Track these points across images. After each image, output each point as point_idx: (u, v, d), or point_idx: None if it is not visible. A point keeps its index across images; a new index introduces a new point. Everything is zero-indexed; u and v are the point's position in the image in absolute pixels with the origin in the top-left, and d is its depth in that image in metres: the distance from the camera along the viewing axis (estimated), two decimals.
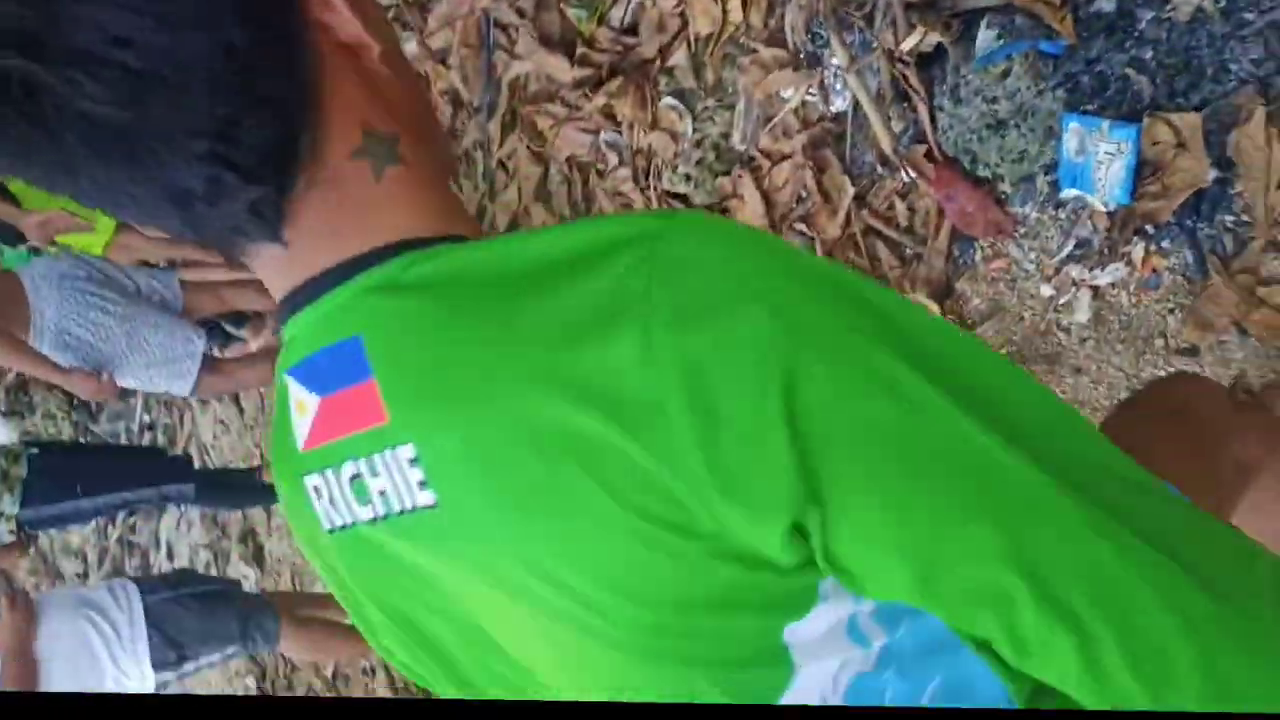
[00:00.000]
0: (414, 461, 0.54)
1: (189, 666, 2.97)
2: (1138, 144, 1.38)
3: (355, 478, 0.58)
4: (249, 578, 4.69)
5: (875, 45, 1.57)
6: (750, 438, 0.47)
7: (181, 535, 5.45)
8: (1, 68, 0.48)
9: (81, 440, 5.51)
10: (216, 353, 4.53)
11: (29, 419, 5.45)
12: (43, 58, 0.48)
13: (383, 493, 0.57)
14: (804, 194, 1.90)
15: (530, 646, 0.60)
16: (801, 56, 1.71)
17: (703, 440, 0.47)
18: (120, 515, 4.58)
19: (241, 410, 4.75)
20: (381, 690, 3.67)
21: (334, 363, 0.57)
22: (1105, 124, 1.40)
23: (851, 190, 1.79)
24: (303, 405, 0.60)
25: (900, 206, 1.75)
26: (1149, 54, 1.38)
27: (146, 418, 5.55)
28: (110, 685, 2.77)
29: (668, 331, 0.47)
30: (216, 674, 5.26)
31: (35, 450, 3.05)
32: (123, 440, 5.46)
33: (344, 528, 0.61)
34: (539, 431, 0.50)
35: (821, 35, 1.65)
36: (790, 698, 0.57)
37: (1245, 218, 1.32)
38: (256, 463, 4.18)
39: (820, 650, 0.56)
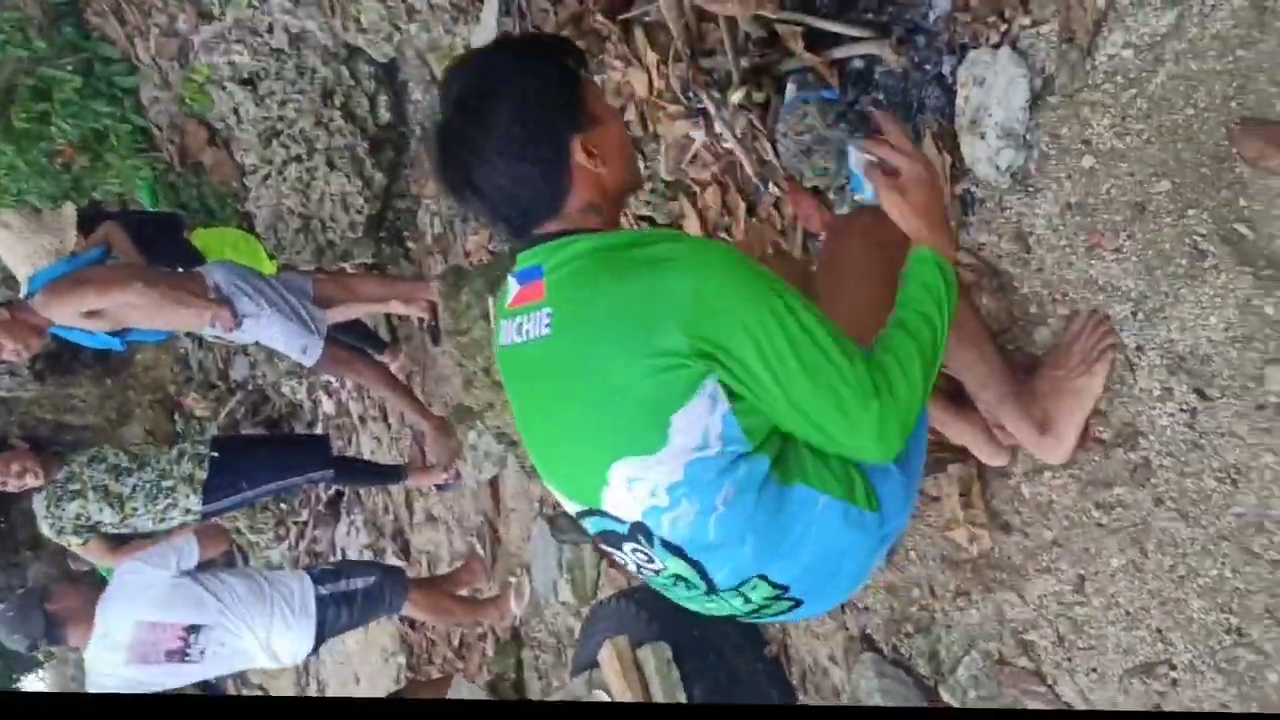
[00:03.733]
0: (549, 316, 1.31)
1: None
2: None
3: (520, 324, 1.37)
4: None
5: (730, 101, 2.22)
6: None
7: (351, 540, 6.48)
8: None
9: (249, 433, 6.64)
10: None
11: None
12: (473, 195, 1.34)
13: (528, 330, 1.34)
14: (723, 212, 2.54)
15: (534, 418, 1.42)
16: (692, 109, 2.38)
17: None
18: (282, 496, 5.55)
19: (389, 425, 5.72)
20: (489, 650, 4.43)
21: (529, 272, 1.36)
22: (862, 143, 1.99)
23: (743, 205, 2.43)
24: (512, 289, 1.40)
25: (775, 215, 2.37)
26: (881, 96, 1.97)
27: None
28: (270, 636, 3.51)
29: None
30: (376, 658, 6.21)
31: (217, 454, 3.97)
32: None
33: (506, 346, 1.40)
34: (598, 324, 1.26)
35: (698, 95, 2.32)
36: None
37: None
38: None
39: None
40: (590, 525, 1.41)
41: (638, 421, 1.25)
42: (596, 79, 2.78)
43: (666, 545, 1.33)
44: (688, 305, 1.19)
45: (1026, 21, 1.67)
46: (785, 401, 1.21)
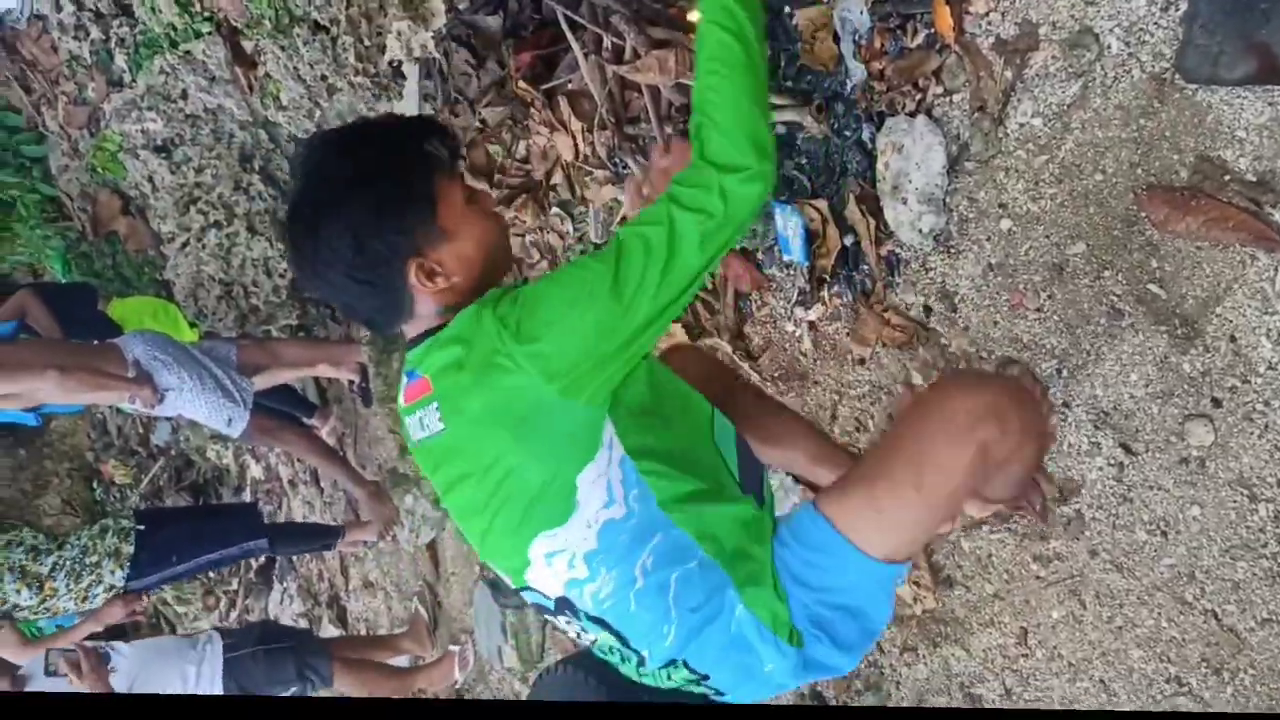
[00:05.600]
0: (438, 409, 1.30)
1: None
2: (803, 221, 1.99)
3: (421, 419, 1.34)
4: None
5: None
6: None
7: (285, 608, 6.28)
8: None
9: (178, 505, 6.41)
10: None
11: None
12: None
13: (428, 425, 1.32)
14: None
15: (454, 507, 1.39)
16: (619, 174, 2.39)
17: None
18: (211, 572, 5.36)
19: (321, 490, 5.58)
20: None
21: (412, 373, 1.34)
22: (788, 208, 2.02)
23: None
24: (404, 387, 1.37)
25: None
26: (804, 161, 2.01)
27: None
28: None
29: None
30: None
31: (142, 527, 3.83)
32: None
33: (416, 443, 1.38)
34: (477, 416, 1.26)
35: (623, 161, 2.33)
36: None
37: (867, 266, 1.92)
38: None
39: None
40: (527, 598, 1.41)
41: (543, 494, 1.25)
42: (521, 144, 2.79)
43: (592, 619, 1.32)
44: (538, 378, 1.20)
45: (939, 91, 1.72)
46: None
